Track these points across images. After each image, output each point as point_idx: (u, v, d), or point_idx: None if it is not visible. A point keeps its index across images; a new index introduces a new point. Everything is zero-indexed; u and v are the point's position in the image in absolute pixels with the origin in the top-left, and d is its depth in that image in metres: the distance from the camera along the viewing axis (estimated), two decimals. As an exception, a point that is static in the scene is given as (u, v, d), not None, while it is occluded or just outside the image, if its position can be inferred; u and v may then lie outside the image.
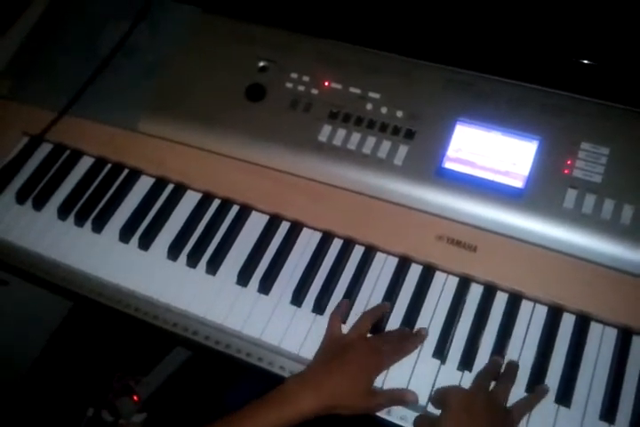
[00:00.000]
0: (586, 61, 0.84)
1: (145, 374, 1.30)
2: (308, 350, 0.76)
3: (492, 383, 0.72)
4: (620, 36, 0.84)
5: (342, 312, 0.77)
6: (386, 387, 0.73)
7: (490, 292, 0.78)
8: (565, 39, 0.85)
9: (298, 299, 0.80)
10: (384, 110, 0.86)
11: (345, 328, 0.77)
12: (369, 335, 0.76)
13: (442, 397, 0.71)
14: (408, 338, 0.75)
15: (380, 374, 0.73)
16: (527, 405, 0.70)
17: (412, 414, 0.72)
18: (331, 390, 0.68)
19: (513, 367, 0.72)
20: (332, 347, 0.74)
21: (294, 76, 0.90)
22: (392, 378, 0.74)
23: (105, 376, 1.31)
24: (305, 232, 0.85)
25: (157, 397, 1.29)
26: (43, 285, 0.88)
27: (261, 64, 0.91)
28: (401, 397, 0.71)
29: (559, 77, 0.84)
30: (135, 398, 1.27)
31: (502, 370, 0.73)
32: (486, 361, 0.74)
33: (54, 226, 0.88)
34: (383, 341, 0.74)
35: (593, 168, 0.79)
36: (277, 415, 0.66)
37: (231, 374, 1.10)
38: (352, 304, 0.79)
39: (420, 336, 0.75)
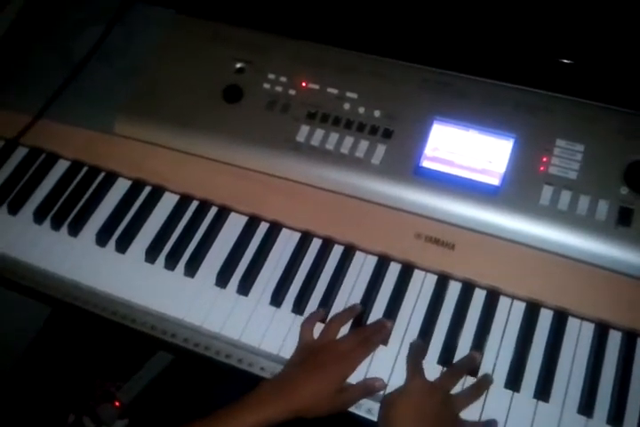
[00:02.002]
0: (560, 59, 0.85)
1: (126, 380, 1.29)
2: (288, 351, 0.76)
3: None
4: (593, 34, 0.85)
5: (314, 322, 0.77)
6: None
7: (468, 289, 0.78)
8: (539, 38, 0.86)
9: (277, 299, 0.79)
10: (361, 110, 0.86)
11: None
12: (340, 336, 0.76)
13: (407, 377, 0.71)
14: (374, 333, 0.75)
15: (352, 373, 0.73)
16: (469, 398, 0.71)
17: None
18: (302, 394, 0.68)
19: (487, 382, 0.73)
20: (304, 353, 0.74)
21: (271, 76, 0.90)
22: (372, 375, 0.74)
23: (86, 382, 1.29)
24: (284, 232, 0.85)
25: (139, 402, 1.28)
26: (19, 290, 0.86)
27: (238, 65, 0.91)
28: (370, 386, 0.72)
29: (534, 75, 0.85)
30: (116, 403, 1.26)
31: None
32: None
33: (30, 230, 0.87)
34: (351, 341, 0.74)
35: (568, 165, 0.80)
36: (251, 418, 0.66)
37: (215, 378, 1.10)
38: (332, 303, 0.79)
39: (385, 329, 0.75)
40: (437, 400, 0.69)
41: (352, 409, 0.73)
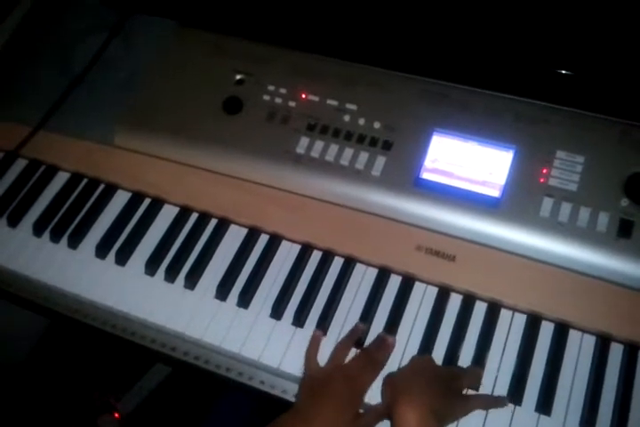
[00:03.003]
0: (560, 71, 0.85)
1: (126, 391, 1.29)
2: (289, 364, 0.76)
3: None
4: (593, 46, 0.85)
5: (317, 348, 0.76)
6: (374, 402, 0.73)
7: (469, 301, 0.78)
8: (539, 49, 0.86)
9: (277, 312, 0.79)
10: (361, 122, 0.86)
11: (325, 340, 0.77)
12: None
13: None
14: (378, 350, 0.74)
15: (364, 396, 0.72)
16: (483, 402, 0.71)
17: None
18: (319, 423, 0.67)
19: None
20: (313, 382, 0.72)
21: (271, 88, 0.90)
22: (374, 391, 0.73)
23: (85, 394, 1.29)
24: (284, 245, 0.84)
25: (139, 413, 1.27)
26: (18, 302, 0.86)
27: (238, 77, 0.91)
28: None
29: (533, 87, 0.85)
30: (116, 415, 1.25)
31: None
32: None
33: (30, 242, 0.87)
34: (357, 363, 0.73)
35: (568, 176, 0.80)
36: None
37: (215, 390, 1.09)
38: (332, 316, 0.79)
39: (387, 346, 0.75)
40: (440, 378, 0.69)
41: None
